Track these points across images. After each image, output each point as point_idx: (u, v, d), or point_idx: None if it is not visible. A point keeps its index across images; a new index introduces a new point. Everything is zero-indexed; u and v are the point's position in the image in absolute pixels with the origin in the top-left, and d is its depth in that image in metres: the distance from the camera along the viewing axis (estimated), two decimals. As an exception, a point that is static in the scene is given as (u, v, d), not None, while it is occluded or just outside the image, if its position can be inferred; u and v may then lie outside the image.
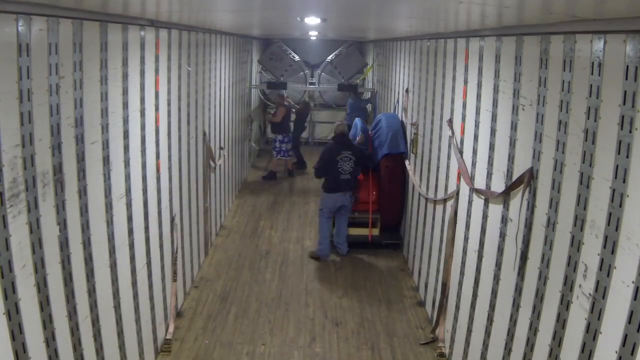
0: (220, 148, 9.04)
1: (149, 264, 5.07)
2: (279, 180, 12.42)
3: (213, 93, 8.48)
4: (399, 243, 8.55)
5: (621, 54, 2.54)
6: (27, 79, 2.89)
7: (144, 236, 4.91)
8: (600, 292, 2.65)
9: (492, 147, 4.35)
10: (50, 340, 3.15)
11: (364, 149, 8.50)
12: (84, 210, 3.58)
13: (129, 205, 4.48)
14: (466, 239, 5.01)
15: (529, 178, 3.55)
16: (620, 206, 2.52)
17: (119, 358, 4.31)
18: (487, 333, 4.29)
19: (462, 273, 5.09)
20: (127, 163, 4.41)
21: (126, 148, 4.39)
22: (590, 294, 2.75)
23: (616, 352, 2.48)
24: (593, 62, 2.81)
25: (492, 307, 4.22)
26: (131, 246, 4.55)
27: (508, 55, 4.06)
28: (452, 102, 5.64)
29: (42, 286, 3.06)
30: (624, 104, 2.51)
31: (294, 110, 13.15)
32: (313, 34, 10.80)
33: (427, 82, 6.89)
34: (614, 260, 2.56)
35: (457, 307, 5.22)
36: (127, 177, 4.43)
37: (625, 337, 2.42)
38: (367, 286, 7.35)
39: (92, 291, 3.71)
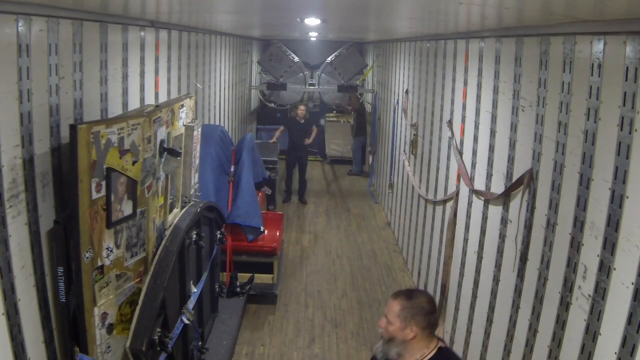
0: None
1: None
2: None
3: (213, 94, 8.48)
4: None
5: (621, 55, 2.54)
6: (27, 79, 2.89)
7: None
8: (600, 293, 2.65)
9: (491, 149, 4.35)
10: (48, 340, 3.15)
11: None
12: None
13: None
14: (466, 240, 5.01)
15: (529, 179, 3.55)
16: (620, 207, 2.52)
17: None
18: (487, 334, 4.29)
19: (461, 274, 5.09)
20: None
21: (126, 149, 4.38)
22: (589, 295, 2.75)
23: (615, 353, 2.48)
24: (593, 64, 2.81)
25: (491, 308, 4.22)
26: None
27: (508, 57, 4.06)
28: (452, 103, 5.64)
29: (41, 287, 3.06)
30: (624, 105, 2.51)
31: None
32: (313, 35, 10.80)
33: (427, 84, 6.89)
34: (613, 261, 2.56)
35: (457, 308, 5.22)
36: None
37: (625, 338, 2.42)
38: (367, 287, 7.35)
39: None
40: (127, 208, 3.48)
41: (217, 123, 8.82)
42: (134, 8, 3.81)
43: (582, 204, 2.88)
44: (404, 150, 8.48)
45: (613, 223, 2.57)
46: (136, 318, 3.55)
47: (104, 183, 3.20)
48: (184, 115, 4.65)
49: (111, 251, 3.37)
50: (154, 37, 5.08)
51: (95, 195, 3.15)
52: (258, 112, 15.01)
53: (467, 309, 4.84)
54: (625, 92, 2.50)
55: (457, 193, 5.35)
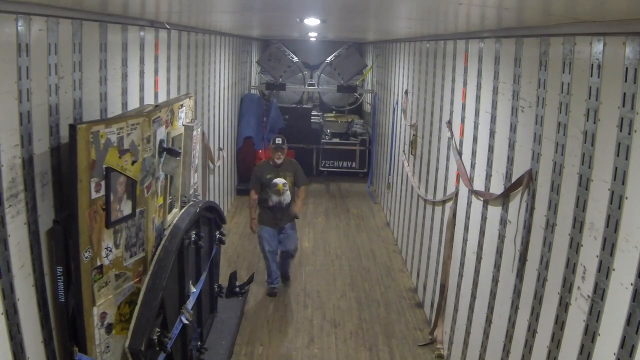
0: (220, 149, 9.05)
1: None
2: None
3: (212, 94, 8.48)
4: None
5: (620, 56, 2.54)
6: (26, 79, 2.89)
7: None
8: (599, 294, 2.66)
9: (491, 149, 4.36)
10: (47, 340, 3.14)
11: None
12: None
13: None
14: (465, 240, 5.01)
15: (528, 180, 3.56)
16: (619, 208, 2.52)
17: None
18: (486, 335, 4.29)
19: (460, 275, 5.09)
20: (126, 163, 4.41)
21: (125, 148, 4.38)
22: (588, 296, 2.75)
23: (614, 354, 2.48)
24: (592, 64, 2.81)
25: (490, 308, 4.22)
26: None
27: (507, 57, 4.07)
28: (452, 103, 5.65)
29: (40, 286, 3.06)
30: (623, 106, 2.51)
31: None
32: (312, 35, 10.80)
33: (427, 84, 6.89)
34: (612, 262, 2.56)
35: (456, 309, 5.22)
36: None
37: (624, 339, 2.42)
38: (366, 287, 7.35)
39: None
40: (126, 208, 3.48)
41: (216, 123, 8.86)
42: (133, 8, 3.81)
43: (581, 204, 2.88)
44: (404, 151, 8.48)
45: (612, 224, 2.57)
46: (135, 318, 3.54)
47: (103, 183, 3.20)
48: (184, 115, 4.65)
49: (110, 251, 3.37)
50: (153, 37, 5.07)
51: (94, 195, 3.14)
52: None
53: (466, 310, 4.84)
54: (624, 93, 2.51)
55: (456, 193, 5.35)
